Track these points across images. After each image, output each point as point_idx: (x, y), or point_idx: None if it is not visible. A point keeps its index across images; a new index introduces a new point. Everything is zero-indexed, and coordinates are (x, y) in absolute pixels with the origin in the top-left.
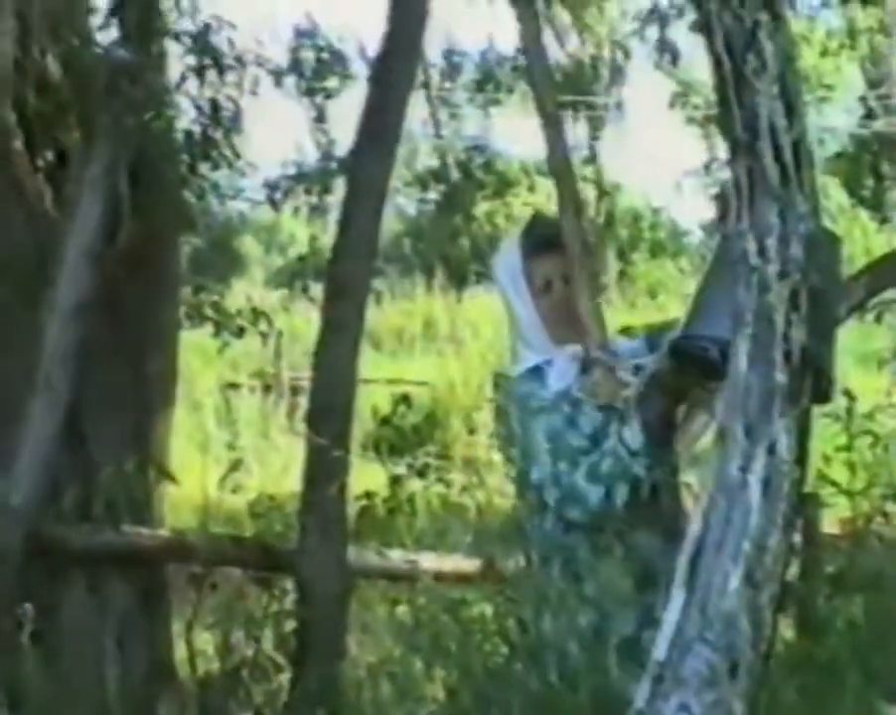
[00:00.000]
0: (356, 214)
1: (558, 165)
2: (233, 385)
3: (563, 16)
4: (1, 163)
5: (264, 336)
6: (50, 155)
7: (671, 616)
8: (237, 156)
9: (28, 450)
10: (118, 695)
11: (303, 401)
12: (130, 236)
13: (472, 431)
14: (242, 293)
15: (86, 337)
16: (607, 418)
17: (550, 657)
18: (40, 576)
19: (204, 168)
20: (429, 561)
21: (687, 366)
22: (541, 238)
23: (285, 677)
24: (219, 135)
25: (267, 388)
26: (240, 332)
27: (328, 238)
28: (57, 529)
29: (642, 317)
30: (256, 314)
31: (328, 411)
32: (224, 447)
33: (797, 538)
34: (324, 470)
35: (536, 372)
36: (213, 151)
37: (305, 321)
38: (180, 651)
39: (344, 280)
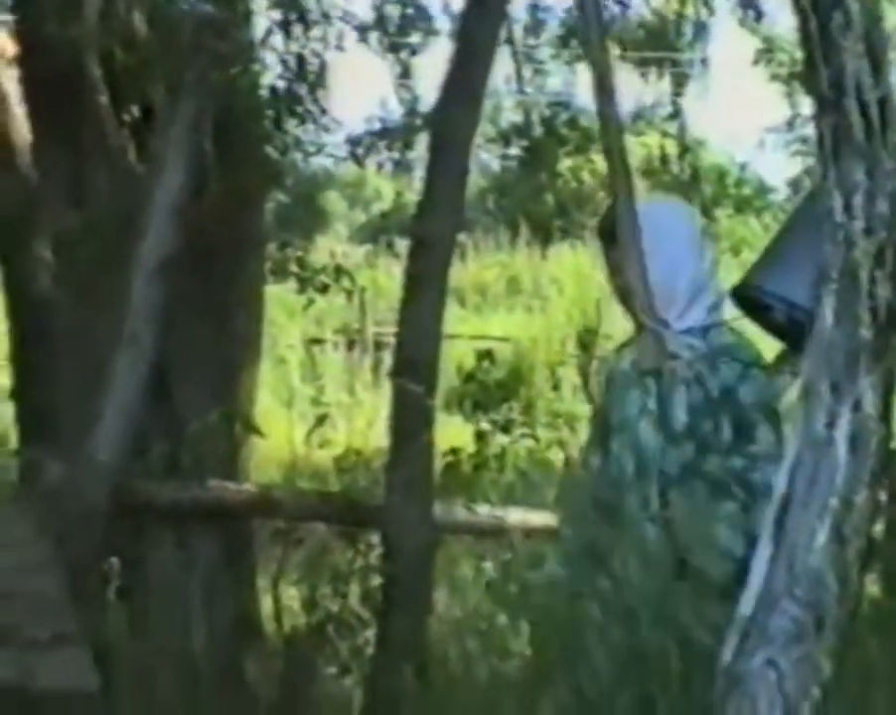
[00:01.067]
0: (441, 169)
1: (610, 130)
2: (317, 341)
3: None
4: (87, 119)
5: (348, 293)
6: (135, 111)
7: (757, 572)
8: (323, 111)
9: (114, 406)
10: (204, 651)
11: (387, 357)
12: (215, 193)
13: (556, 387)
14: (327, 249)
15: (172, 293)
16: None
17: (639, 612)
18: (126, 532)
19: (289, 124)
20: (516, 516)
21: (750, 317)
22: None
23: (371, 632)
24: (304, 91)
25: (351, 344)
26: (324, 289)
27: (412, 194)
28: (143, 485)
29: (724, 275)
30: (339, 271)
31: (413, 366)
32: (308, 402)
33: (883, 496)
34: (410, 425)
35: None
36: (298, 107)
37: (389, 276)
38: (266, 607)
39: (429, 236)
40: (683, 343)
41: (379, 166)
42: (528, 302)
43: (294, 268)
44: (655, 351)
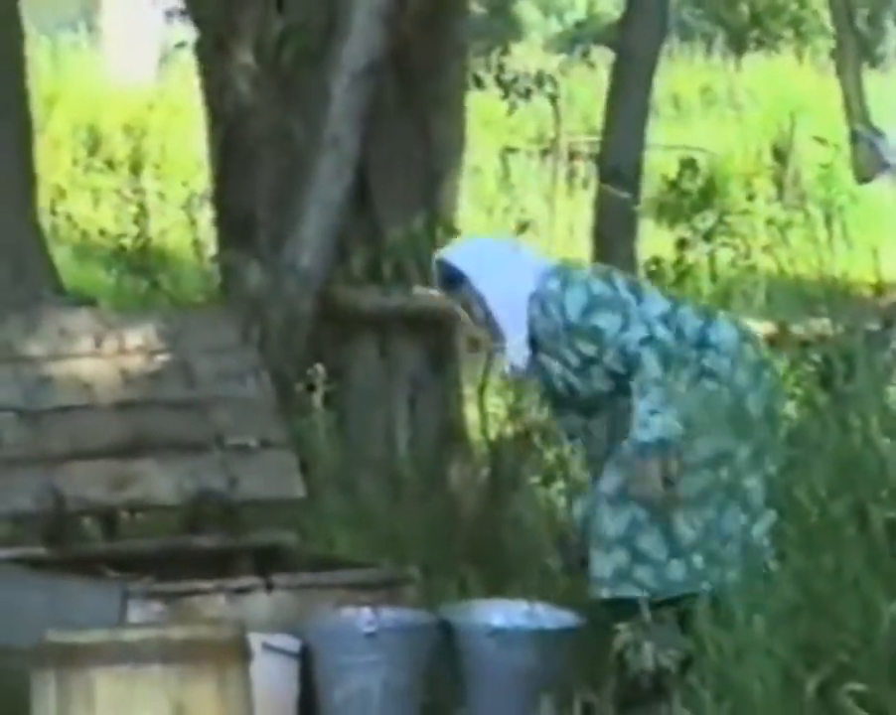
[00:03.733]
0: None
1: None
2: (512, 150)
3: None
4: None
5: (553, 99)
6: None
7: None
8: None
9: (315, 212)
10: (409, 458)
11: (582, 166)
12: None
13: (751, 197)
14: (521, 58)
15: (374, 97)
16: None
17: (851, 421)
18: (330, 339)
19: None
20: None
21: None
22: None
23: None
24: None
25: (545, 153)
26: (527, 93)
27: (607, 4)
28: (346, 292)
29: None
30: (542, 77)
31: (617, 174)
32: (505, 211)
33: None
34: (614, 232)
35: None
36: None
37: (583, 85)
38: (471, 414)
39: (633, 45)
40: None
41: None
42: (723, 111)
43: (496, 75)
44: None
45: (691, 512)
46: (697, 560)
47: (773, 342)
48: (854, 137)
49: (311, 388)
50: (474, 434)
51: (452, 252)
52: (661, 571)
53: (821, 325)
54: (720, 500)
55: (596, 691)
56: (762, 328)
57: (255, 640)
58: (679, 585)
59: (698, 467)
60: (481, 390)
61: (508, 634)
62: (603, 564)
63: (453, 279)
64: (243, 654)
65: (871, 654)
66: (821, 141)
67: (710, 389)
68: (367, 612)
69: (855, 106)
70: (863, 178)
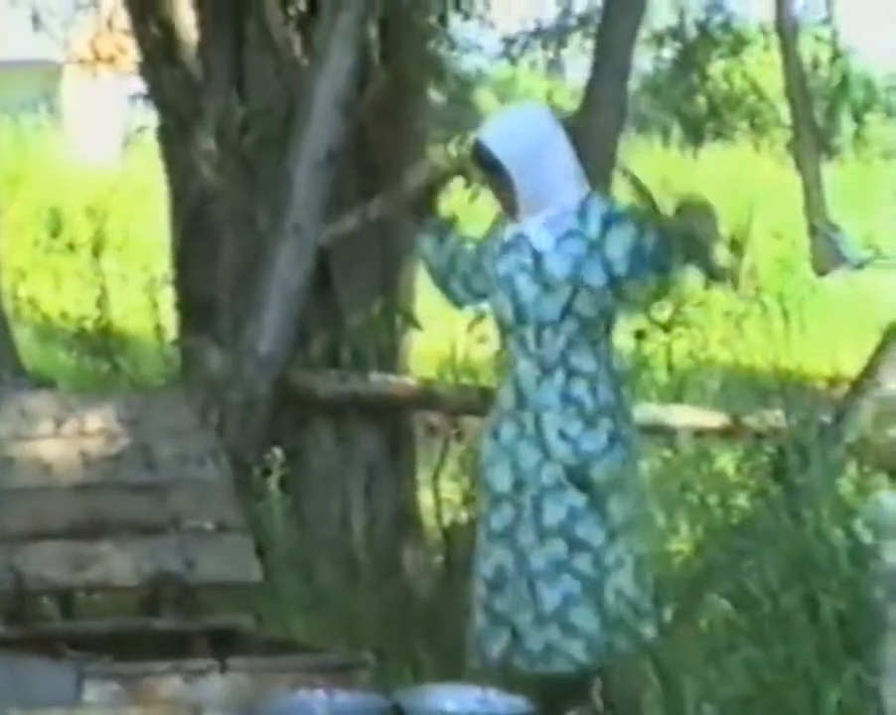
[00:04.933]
0: (604, 70)
1: (784, 28)
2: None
3: None
4: (252, 12)
5: None
6: (301, 3)
7: None
8: (487, 7)
9: (276, 297)
10: (364, 542)
11: None
12: (379, 86)
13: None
14: None
15: (335, 184)
16: None
17: (804, 513)
18: (288, 423)
19: (453, 20)
20: (678, 416)
21: None
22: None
23: None
24: None
25: None
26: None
27: (563, 94)
28: (304, 377)
29: (875, 179)
30: None
31: None
32: None
33: None
34: None
35: None
36: (463, 2)
37: None
38: (426, 500)
39: (592, 136)
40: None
41: (533, 65)
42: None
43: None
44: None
45: (614, 579)
46: (619, 630)
47: (727, 433)
48: (813, 231)
49: (267, 472)
50: (429, 519)
51: (491, 136)
52: (591, 643)
53: (775, 417)
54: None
55: None
56: (716, 419)
57: None
58: (605, 657)
59: (619, 531)
60: (435, 476)
61: None
62: (536, 639)
63: (487, 160)
64: None
65: None
66: (778, 236)
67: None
68: (321, 695)
69: (815, 199)
70: (821, 271)
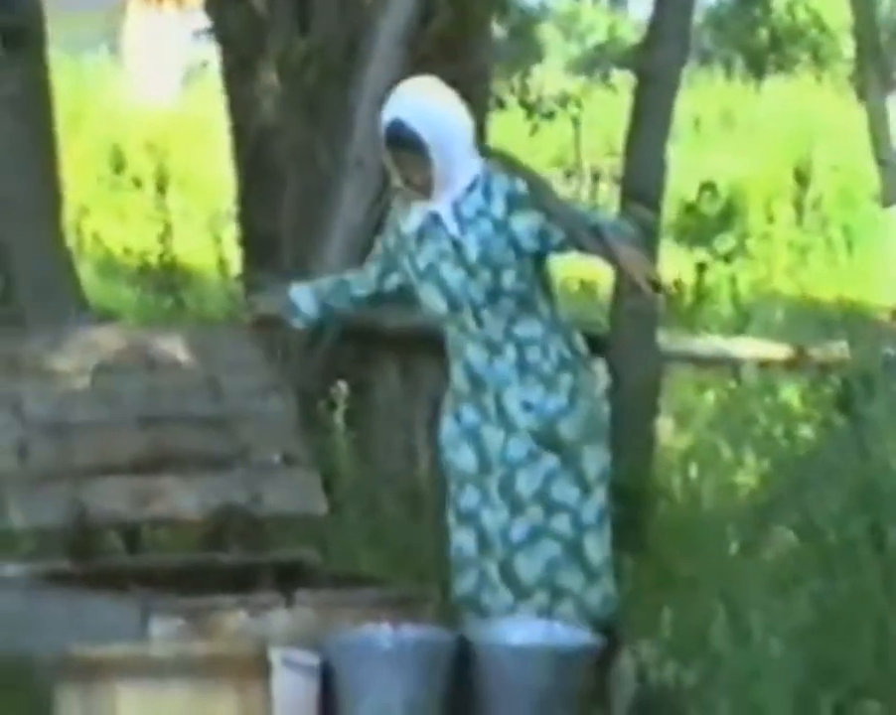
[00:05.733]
0: (668, 2)
1: None
2: None
3: None
4: None
5: (575, 120)
6: None
7: None
8: None
9: (338, 232)
10: (428, 476)
11: (603, 187)
12: (443, 21)
13: (771, 220)
14: (542, 80)
15: None
16: None
17: (868, 444)
18: (352, 357)
19: None
20: (740, 347)
21: None
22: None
23: None
24: None
25: (568, 175)
26: (550, 115)
27: (627, 27)
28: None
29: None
30: (565, 98)
31: (639, 197)
32: None
33: None
34: None
35: None
36: None
37: (604, 108)
38: None
39: (655, 69)
40: None
41: None
42: (743, 136)
43: (518, 96)
44: None
45: (594, 535)
46: (607, 582)
47: (791, 365)
48: (881, 163)
49: (333, 406)
50: None
51: (410, 114)
52: (580, 603)
53: (840, 348)
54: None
55: (612, 709)
56: (781, 351)
57: (276, 655)
58: (597, 611)
59: (594, 484)
60: None
61: (526, 651)
62: (525, 610)
63: (408, 138)
64: (264, 670)
65: (886, 674)
66: (839, 169)
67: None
68: (386, 628)
69: (881, 131)
70: (888, 202)
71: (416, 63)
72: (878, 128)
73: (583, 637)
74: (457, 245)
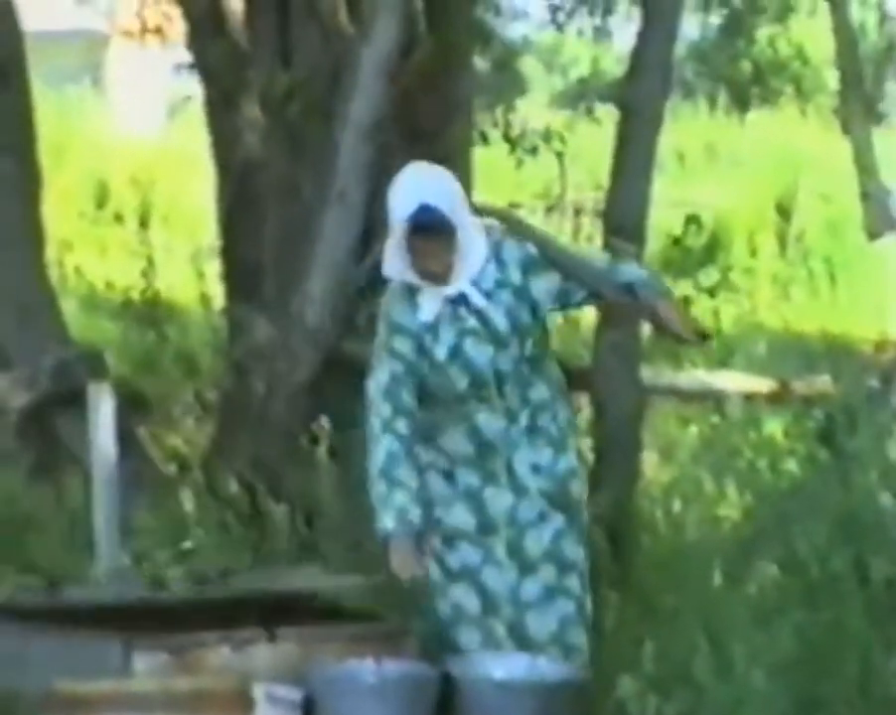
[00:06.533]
0: (651, 35)
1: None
2: (517, 206)
3: None
4: None
5: (559, 155)
6: None
7: None
8: None
9: (321, 265)
10: None
11: (586, 222)
12: (425, 54)
13: (755, 253)
14: (526, 114)
15: (380, 153)
16: None
17: (852, 477)
18: (335, 391)
19: None
20: (724, 381)
21: None
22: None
23: None
24: None
25: (550, 209)
26: (534, 150)
27: (610, 60)
28: (351, 345)
29: None
30: (549, 133)
31: (622, 230)
32: None
33: None
34: None
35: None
36: None
37: (588, 141)
38: None
39: (638, 102)
40: None
41: (580, 32)
42: (726, 169)
43: (501, 131)
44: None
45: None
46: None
47: (775, 398)
48: (865, 195)
49: (315, 442)
50: None
51: (434, 198)
52: (585, 658)
53: (823, 381)
54: None
55: None
56: (764, 384)
57: (259, 690)
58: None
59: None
60: None
61: (510, 686)
62: None
63: (437, 223)
64: (247, 705)
65: (869, 707)
66: (826, 199)
67: None
68: (370, 663)
69: (866, 163)
70: (873, 234)
71: (398, 95)
72: (863, 160)
73: (566, 671)
74: (485, 321)
